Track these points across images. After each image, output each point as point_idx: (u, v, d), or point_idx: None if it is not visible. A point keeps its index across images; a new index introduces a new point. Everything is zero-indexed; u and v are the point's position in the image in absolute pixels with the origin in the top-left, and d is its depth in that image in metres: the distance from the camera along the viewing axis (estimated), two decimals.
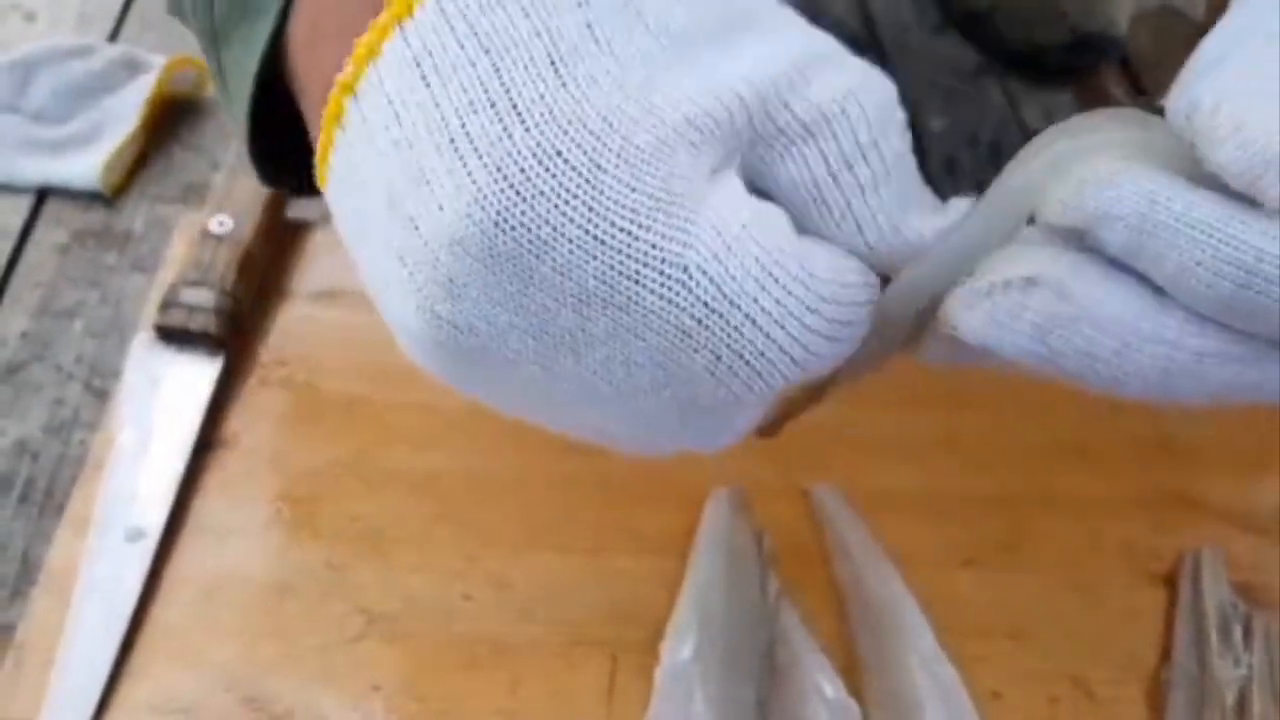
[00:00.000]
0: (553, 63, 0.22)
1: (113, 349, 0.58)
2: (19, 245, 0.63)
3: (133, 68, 0.71)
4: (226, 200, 0.54)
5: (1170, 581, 0.48)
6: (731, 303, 0.23)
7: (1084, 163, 0.24)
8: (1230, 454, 0.52)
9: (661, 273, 0.23)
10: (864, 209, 0.25)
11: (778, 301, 0.23)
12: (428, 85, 0.23)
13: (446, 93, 0.23)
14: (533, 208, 0.22)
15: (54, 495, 0.53)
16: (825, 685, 0.42)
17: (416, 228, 0.23)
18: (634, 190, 0.22)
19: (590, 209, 0.22)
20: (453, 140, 0.22)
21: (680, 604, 0.45)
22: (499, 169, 0.22)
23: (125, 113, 0.68)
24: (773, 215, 0.24)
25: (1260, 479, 0.51)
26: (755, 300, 0.23)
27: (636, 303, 0.23)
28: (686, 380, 0.24)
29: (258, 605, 0.44)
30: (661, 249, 0.23)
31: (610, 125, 0.22)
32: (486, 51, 0.22)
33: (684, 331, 0.23)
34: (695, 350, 0.23)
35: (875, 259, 0.25)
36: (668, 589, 0.45)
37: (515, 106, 0.22)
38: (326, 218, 0.66)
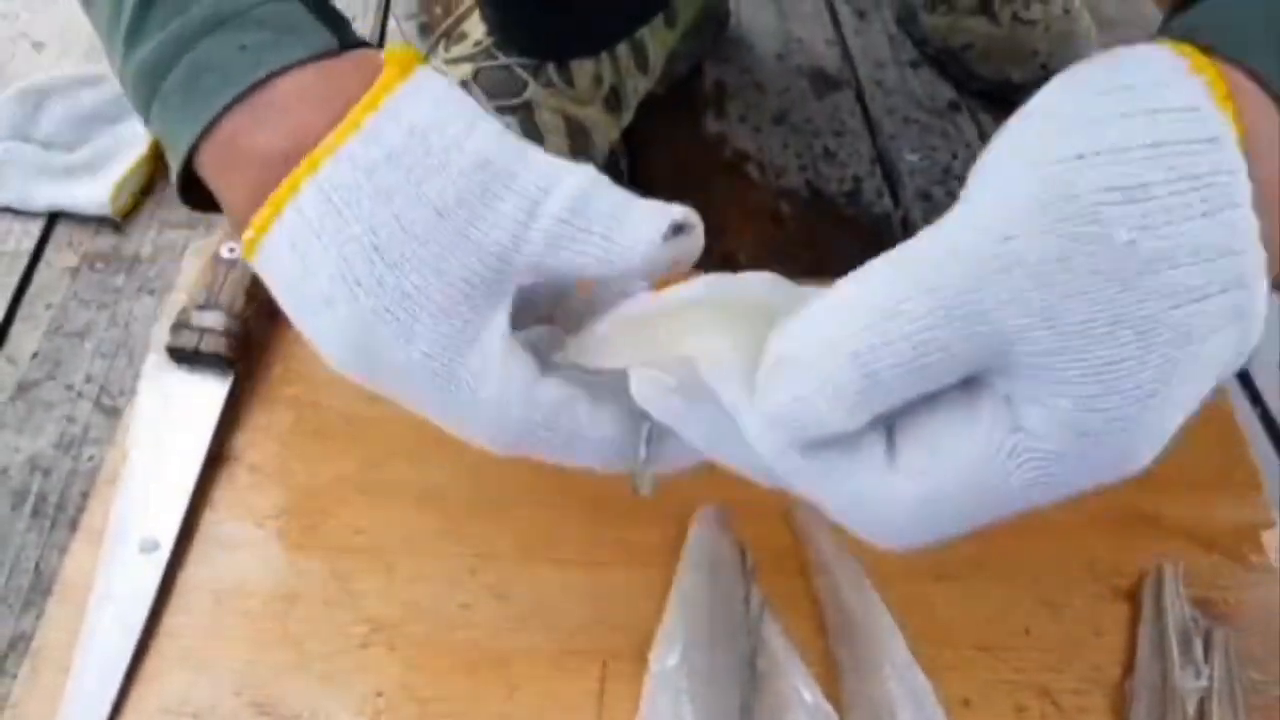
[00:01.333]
0: (376, 249, 0.33)
1: (121, 368, 0.60)
2: (30, 267, 0.65)
3: None
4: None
5: (1132, 597, 0.50)
6: (475, 408, 0.35)
7: None
8: (1190, 476, 0.54)
9: (446, 380, 0.34)
10: (605, 253, 0.34)
11: (498, 418, 0.35)
12: (341, 218, 0.34)
13: (338, 250, 0.34)
14: (375, 337, 0.34)
15: (65, 509, 0.55)
16: (805, 692, 0.44)
17: (330, 310, 0.34)
18: (433, 331, 0.34)
19: (408, 343, 0.34)
20: (340, 278, 0.34)
21: (667, 614, 0.47)
22: (353, 315, 0.34)
23: (133, 140, 0.70)
24: (518, 355, 0.35)
25: (1218, 500, 0.54)
26: (481, 408, 0.34)
27: (428, 397, 0.35)
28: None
29: (266, 613, 0.46)
30: (448, 368, 0.34)
31: (418, 293, 0.33)
32: (352, 239, 0.33)
33: (445, 409, 0.35)
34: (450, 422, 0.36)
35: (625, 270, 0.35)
36: (656, 600, 0.47)
37: (360, 281, 0.33)
38: None
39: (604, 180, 0.35)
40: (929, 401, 0.30)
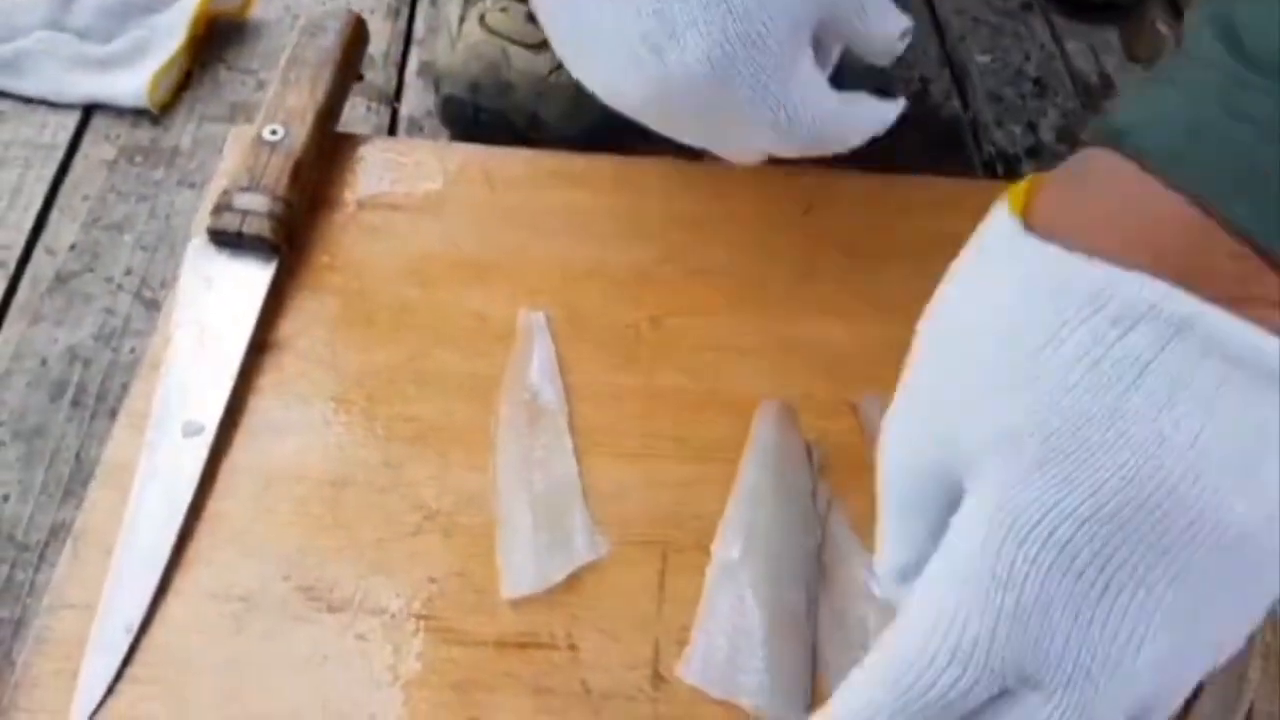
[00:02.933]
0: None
1: (162, 261, 0.59)
2: (67, 159, 0.63)
3: None
4: (278, 110, 0.54)
5: None
6: (791, 115, 0.44)
7: None
8: None
9: (765, 98, 0.43)
10: (861, 27, 0.45)
11: (814, 120, 0.44)
12: None
13: None
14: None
15: (105, 400, 0.53)
16: (874, 586, 0.43)
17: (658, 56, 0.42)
18: (764, 56, 0.42)
19: (753, 70, 0.42)
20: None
21: (730, 507, 0.45)
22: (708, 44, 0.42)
23: (170, 31, 0.68)
24: (820, 80, 0.45)
25: None
26: (793, 109, 0.43)
27: (735, 109, 0.43)
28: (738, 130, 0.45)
29: (315, 499, 0.44)
30: (768, 89, 0.43)
31: (759, 37, 0.42)
32: None
33: (761, 124, 0.44)
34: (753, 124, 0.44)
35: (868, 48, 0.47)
36: (717, 494, 0.45)
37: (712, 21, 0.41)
38: (379, 130, 0.65)
39: None
40: None
